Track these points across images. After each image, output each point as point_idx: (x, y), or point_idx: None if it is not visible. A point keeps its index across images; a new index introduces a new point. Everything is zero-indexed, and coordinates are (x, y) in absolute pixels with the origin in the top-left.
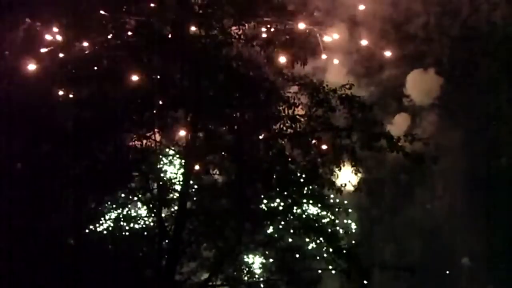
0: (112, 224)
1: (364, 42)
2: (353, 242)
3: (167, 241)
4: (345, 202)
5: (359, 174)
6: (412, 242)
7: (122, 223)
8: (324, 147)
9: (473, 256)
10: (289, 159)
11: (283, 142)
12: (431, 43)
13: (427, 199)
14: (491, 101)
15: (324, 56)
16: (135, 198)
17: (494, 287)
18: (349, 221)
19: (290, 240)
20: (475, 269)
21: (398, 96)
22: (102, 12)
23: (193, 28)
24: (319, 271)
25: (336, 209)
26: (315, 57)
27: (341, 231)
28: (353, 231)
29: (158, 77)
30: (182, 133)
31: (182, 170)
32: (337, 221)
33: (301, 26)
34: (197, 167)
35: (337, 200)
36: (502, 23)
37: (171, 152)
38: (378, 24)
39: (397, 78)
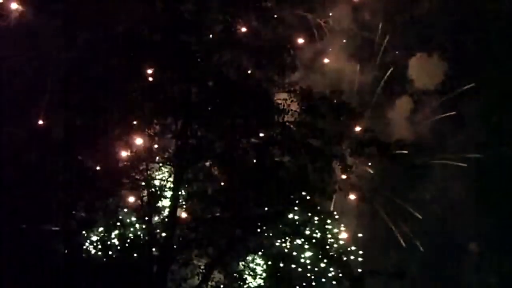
0: (102, 232)
1: None
2: (343, 248)
3: (158, 248)
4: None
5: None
6: (419, 227)
7: (112, 230)
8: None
9: (481, 242)
10: (280, 166)
11: (273, 148)
12: (436, 27)
13: (431, 187)
14: (496, 86)
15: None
16: (126, 205)
17: (500, 274)
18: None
19: (281, 246)
20: (482, 255)
21: (401, 80)
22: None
23: (183, 35)
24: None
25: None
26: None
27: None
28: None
29: (148, 83)
30: (172, 140)
31: (172, 177)
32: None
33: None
34: (187, 174)
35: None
36: (509, 5)
37: (161, 159)
38: (382, 6)
39: (400, 62)
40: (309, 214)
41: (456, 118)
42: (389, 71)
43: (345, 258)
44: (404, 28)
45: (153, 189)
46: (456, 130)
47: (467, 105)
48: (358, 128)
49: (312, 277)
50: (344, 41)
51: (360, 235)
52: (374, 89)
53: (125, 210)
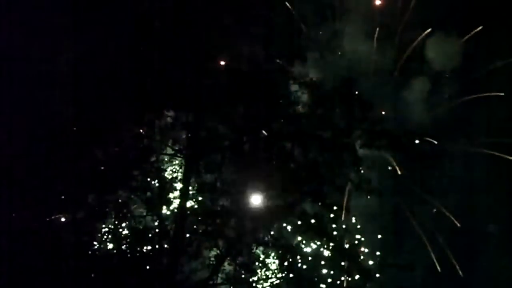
0: (113, 223)
1: None
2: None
3: (167, 240)
4: None
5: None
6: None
7: (123, 222)
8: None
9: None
10: (290, 158)
11: (284, 140)
12: (453, 6)
13: (450, 169)
14: None
15: None
16: (136, 197)
17: None
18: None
19: (291, 239)
20: (502, 236)
21: (418, 60)
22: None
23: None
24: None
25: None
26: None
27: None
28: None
29: (159, 76)
30: (183, 131)
31: (182, 169)
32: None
33: None
34: (197, 166)
35: None
36: None
37: (172, 151)
38: None
39: (417, 42)
40: (320, 207)
41: (475, 101)
42: (407, 52)
43: (355, 251)
44: (422, 7)
45: (163, 181)
46: (474, 114)
47: (486, 88)
48: (369, 120)
49: (323, 269)
50: (361, 21)
51: (377, 231)
52: (391, 70)
53: (136, 202)
